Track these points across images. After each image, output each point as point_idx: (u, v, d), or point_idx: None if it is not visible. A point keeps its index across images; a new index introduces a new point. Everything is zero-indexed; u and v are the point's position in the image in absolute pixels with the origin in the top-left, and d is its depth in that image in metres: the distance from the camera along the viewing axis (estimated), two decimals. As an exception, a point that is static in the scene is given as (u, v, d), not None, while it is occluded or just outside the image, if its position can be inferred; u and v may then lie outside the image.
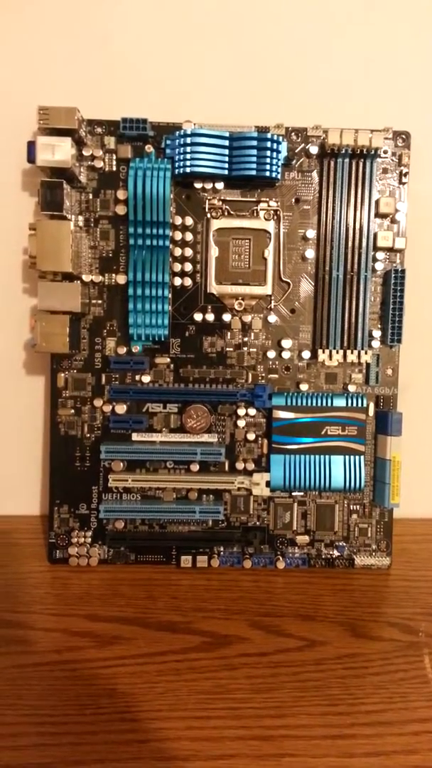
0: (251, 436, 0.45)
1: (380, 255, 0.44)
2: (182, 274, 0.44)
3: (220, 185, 0.43)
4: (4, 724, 0.30)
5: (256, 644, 0.36)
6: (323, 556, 0.46)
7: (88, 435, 0.45)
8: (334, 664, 0.35)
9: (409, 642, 0.37)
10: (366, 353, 0.44)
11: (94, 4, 0.48)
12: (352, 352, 0.44)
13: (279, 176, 0.42)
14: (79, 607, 0.40)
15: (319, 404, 0.44)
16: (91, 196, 0.44)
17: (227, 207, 0.44)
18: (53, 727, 0.30)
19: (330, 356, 0.44)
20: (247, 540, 0.45)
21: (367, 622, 0.39)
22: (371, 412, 0.45)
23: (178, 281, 0.44)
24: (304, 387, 0.45)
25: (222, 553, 0.45)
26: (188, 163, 0.42)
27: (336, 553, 0.46)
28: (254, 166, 0.41)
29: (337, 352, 0.44)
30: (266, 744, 0.29)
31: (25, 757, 0.28)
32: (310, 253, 0.44)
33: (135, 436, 0.44)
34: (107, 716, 0.31)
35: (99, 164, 0.43)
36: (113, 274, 0.44)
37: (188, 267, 0.44)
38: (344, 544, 0.46)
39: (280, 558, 0.45)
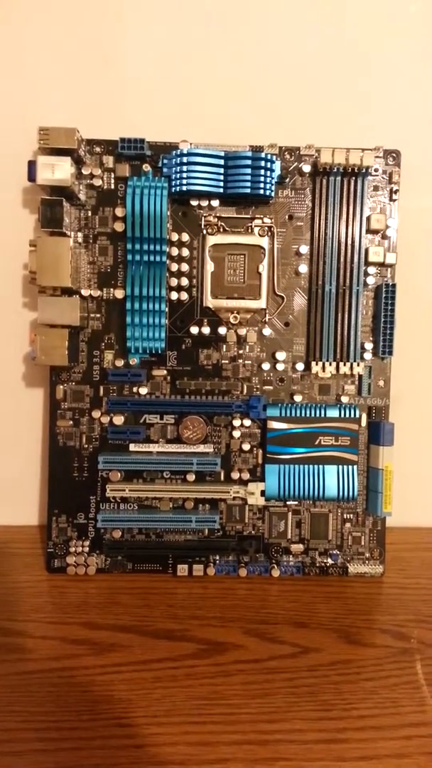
0: (246, 447, 0.46)
1: (371, 270, 0.45)
2: (179, 288, 0.45)
3: (215, 203, 0.45)
4: (3, 730, 0.30)
5: (251, 651, 0.37)
6: (317, 565, 0.46)
7: (87, 446, 0.46)
8: (327, 670, 0.35)
9: (402, 648, 0.38)
10: (358, 365, 0.45)
11: (94, 28, 0.49)
12: (344, 364, 0.45)
13: (273, 194, 0.44)
14: (77, 615, 0.40)
15: (312, 415, 0.45)
16: (90, 214, 0.45)
17: (222, 224, 0.45)
18: (51, 733, 0.30)
19: (323, 368, 0.45)
20: (243, 549, 0.46)
21: (360, 629, 0.40)
22: (364, 422, 0.46)
23: (174, 295, 0.45)
24: (298, 398, 0.46)
25: (218, 561, 0.46)
26: (185, 181, 0.43)
27: (330, 561, 0.46)
28: (249, 184, 0.43)
29: (330, 364, 0.45)
30: (261, 748, 0.30)
31: (24, 762, 0.29)
32: (304, 268, 0.45)
33: (132, 447, 0.45)
34: (105, 722, 0.31)
35: (98, 182, 0.44)
36: (111, 289, 0.45)
37: (184, 282, 0.45)
38: (338, 552, 0.46)
39: (275, 566, 0.46)
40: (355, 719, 0.32)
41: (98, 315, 0.45)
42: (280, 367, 0.46)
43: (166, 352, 0.45)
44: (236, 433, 0.46)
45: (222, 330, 0.45)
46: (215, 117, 0.49)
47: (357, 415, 0.45)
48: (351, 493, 0.45)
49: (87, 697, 0.33)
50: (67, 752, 0.29)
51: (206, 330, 0.45)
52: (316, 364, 0.45)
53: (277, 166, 0.44)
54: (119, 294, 0.45)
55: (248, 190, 0.43)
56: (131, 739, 0.30)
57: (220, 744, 0.30)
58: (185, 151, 0.43)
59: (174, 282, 0.45)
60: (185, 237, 0.45)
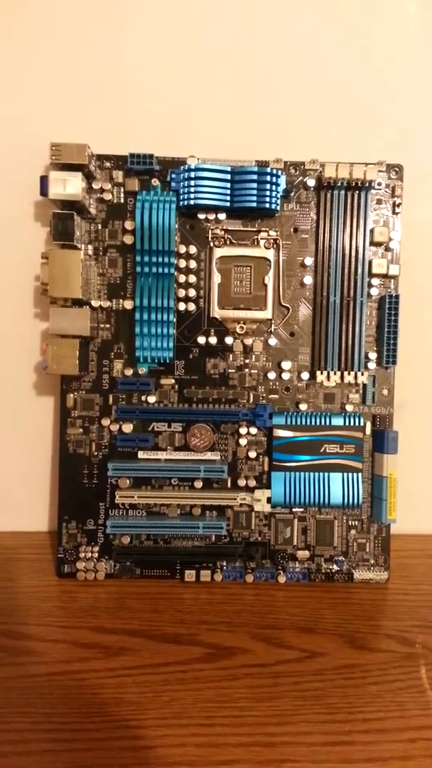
0: (253, 454, 0.46)
1: (375, 281, 0.46)
2: (186, 299, 0.46)
3: (222, 216, 0.46)
4: (16, 731, 0.31)
5: (258, 655, 0.37)
6: (323, 571, 0.47)
7: (96, 453, 0.46)
8: (333, 674, 0.36)
9: (406, 653, 0.38)
10: (362, 374, 0.46)
11: (103, 47, 0.51)
12: (349, 374, 0.46)
13: (278, 207, 0.45)
14: (87, 619, 0.41)
15: (317, 423, 0.45)
16: (100, 227, 0.46)
17: (229, 236, 0.46)
18: (62, 734, 0.31)
19: (328, 377, 0.46)
20: (249, 555, 0.47)
21: (365, 634, 0.40)
22: (368, 430, 0.47)
23: (182, 306, 0.46)
24: (303, 407, 0.47)
25: (225, 567, 0.46)
26: (192, 195, 0.44)
27: (335, 567, 0.47)
28: (255, 198, 0.44)
29: (335, 374, 0.46)
30: (267, 750, 0.30)
31: (36, 763, 0.29)
32: (308, 280, 0.46)
33: (141, 454, 0.46)
34: (114, 724, 0.32)
35: (108, 197, 0.45)
36: (121, 300, 0.46)
37: (192, 293, 0.46)
38: (343, 558, 0.47)
39: (281, 572, 0.46)
40: (360, 722, 0.32)
41: (108, 325, 0.46)
42: (285, 376, 0.47)
43: (174, 362, 0.46)
44: (243, 441, 0.46)
45: (229, 340, 0.46)
46: (222, 133, 0.50)
47: (361, 424, 0.46)
48: (356, 500, 0.45)
49: (97, 700, 0.33)
50: (77, 753, 0.30)
51: (213, 340, 0.46)
52: (321, 374, 0.46)
53: (282, 180, 0.45)
54: (128, 305, 0.46)
55: (254, 204, 0.44)
56: (140, 740, 0.31)
57: (227, 746, 0.30)
58: (193, 166, 0.44)
59: (182, 293, 0.46)
60: (193, 249, 0.46)
